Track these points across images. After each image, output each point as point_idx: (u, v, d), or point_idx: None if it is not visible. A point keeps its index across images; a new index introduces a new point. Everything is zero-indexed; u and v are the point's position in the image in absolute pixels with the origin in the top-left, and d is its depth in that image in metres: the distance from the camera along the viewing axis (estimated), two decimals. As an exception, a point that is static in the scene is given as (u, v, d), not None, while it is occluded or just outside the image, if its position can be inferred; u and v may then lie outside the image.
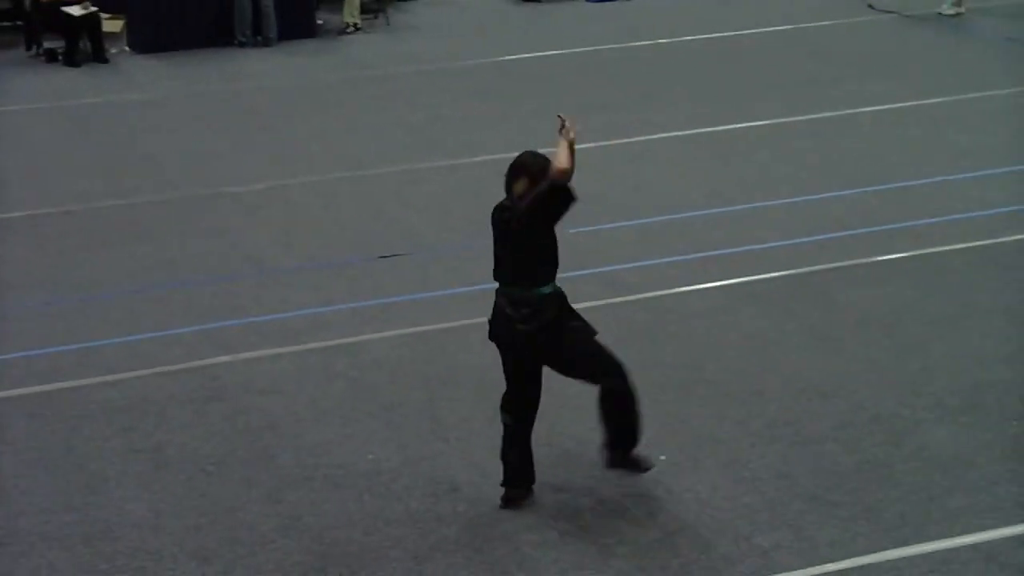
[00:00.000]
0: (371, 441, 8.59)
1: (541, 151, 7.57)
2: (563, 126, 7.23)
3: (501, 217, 7.57)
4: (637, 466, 7.75)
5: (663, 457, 8.13)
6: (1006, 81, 16.77)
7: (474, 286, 10.93)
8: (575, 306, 7.56)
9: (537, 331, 7.45)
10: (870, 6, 21.51)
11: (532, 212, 7.34)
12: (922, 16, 20.75)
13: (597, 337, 7.58)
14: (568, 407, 8.79)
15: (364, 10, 22.32)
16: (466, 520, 7.65)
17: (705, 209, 12.31)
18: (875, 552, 7.12)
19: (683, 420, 8.51)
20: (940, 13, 20.64)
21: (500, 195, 13.04)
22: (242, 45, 21.39)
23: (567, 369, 7.64)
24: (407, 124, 16.32)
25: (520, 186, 7.46)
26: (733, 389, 8.97)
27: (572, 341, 7.51)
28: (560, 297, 7.55)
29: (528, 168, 7.46)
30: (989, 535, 7.21)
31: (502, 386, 9.12)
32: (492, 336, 7.76)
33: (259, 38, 21.50)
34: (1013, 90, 16.32)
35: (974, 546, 7.13)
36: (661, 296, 10.45)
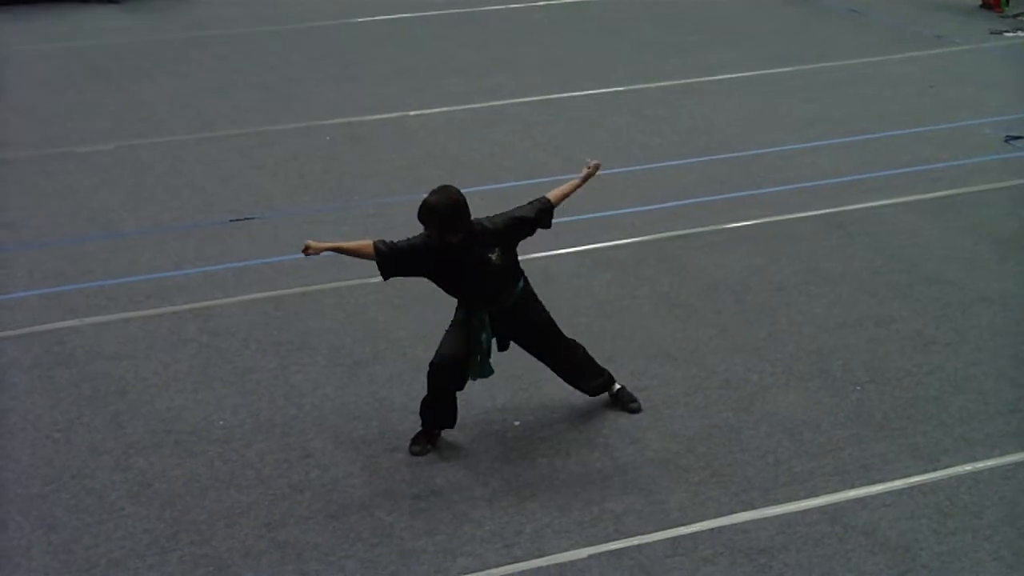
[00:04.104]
0: (223, 407, 8.49)
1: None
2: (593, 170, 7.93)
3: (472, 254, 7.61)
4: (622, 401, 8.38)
5: (517, 423, 8.18)
6: (850, 52, 17.09)
7: (327, 250, 10.86)
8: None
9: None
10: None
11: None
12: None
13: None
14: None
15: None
16: (319, 486, 7.61)
17: (559, 175, 12.32)
18: (724, 515, 7.24)
19: (537, 386, 8.54)
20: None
21: (351, 158, 13.15)
22: (86, 1, 20.91)
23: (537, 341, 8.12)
24: (257, 85, 16.11)
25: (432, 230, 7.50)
26: (586, 355, 9.03)
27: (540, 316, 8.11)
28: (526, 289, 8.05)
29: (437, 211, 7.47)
30: (834, 498, 7.38)
31: (354, 351, 9.12)
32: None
33: (104, -7, 21.07)
34: (856, 60, 16.63)
35: (820, 508, 7.28)
36: (516, 262, 10.45)
